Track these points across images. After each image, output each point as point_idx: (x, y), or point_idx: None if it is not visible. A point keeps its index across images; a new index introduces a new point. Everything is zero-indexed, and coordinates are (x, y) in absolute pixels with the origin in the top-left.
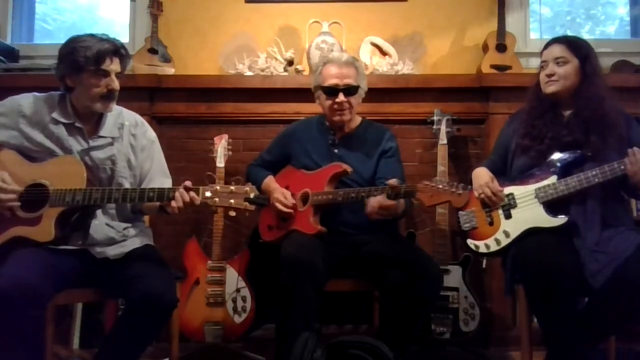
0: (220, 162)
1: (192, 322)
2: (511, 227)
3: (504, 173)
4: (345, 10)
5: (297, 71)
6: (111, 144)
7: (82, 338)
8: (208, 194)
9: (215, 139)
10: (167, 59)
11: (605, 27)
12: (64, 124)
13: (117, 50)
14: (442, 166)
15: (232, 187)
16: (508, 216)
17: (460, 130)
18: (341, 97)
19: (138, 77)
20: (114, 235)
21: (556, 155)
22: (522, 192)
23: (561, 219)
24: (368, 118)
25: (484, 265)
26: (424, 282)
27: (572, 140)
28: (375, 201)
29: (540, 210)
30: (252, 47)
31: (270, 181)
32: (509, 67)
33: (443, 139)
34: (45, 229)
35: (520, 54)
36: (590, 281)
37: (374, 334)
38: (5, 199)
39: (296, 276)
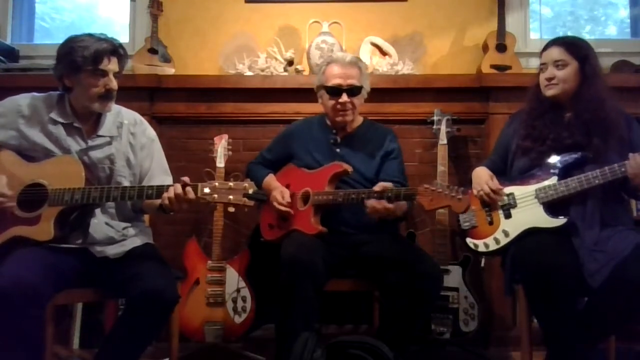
0: (220, 162)
1: (192, 322)
2: (511, 227)
3: (504, 173)
4: (345, 10)
5: (297, 71)
6: (109, 143)
7: (82, 338)
8: (207, 190)
9: (215, 139)
10: (167, 59)
11: (606, 28)
12: (62, 124)
13: (114, 49)
14: (442, 166)
15: (231, 184)
16: (508, 216)
17: (460, 130)
18: (344, 98)
19: (138, 77)
20: (113, 234)
21: (557, 157)
22: (523, 192)
23: (561, 220)
24: (368, 118)
25: (482, 264)
26: (424, 282)
27: (572, 142)
28: (376, 202)
29: (540, 210)
30: (252, 47)
31: (270, 179)
32: (509, 67)
33: (443, 139)
34: (44, 229)
35: (520, 54)
36: (589, 281)
37: (374, 334)
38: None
39: (296, 276)
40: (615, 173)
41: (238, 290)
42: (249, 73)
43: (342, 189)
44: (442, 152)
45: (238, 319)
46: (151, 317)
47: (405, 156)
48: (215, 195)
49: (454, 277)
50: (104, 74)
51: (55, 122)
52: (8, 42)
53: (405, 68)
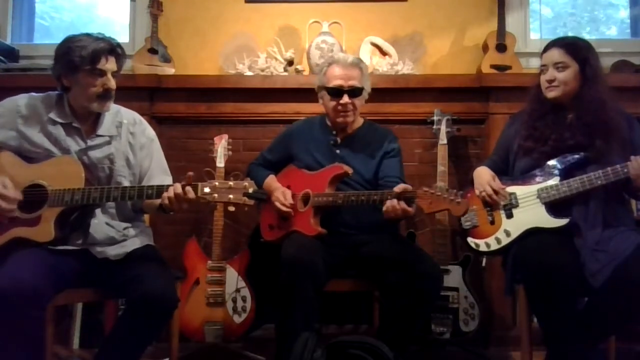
0: (220, 162)
1: (192, 322)
2: (512, 227)
3: (506, 173)
4: (345, 10)
5: (297, 71)
6: (109, 142)
7: (82, 338)
8: (207, 190)
9: (215, 139)
10: (167, 59)
11: (606, 29)
12: (61, 124)
13: (112, 49)
14: (442, 166)
15: (231, 183)
16: (509, 216)
17: (460, 130)
18: (345, 99)
19: (138, 77)
20: (114, 234)
21: (559, 157)
22: (525, 192)
23: (562, 220)
24: (368, 118)
25: (483, 264)
26: (423, 282)
27: (574, 143)
28: (396, 203)
29: (542, 210)
30: (252, 47)
31: (271, 180)
32: (509, 67)
33: (443, 139)
34: (44, 230)
35: (521, 54)
36: (590, 281)
37: (374, 334)
38: (7, 209)
39: (296, 276)
40: (618, 174)
41: (238, 290)
42: (249, 73)
43: (342, 190)
44: (442, 152)
45: (238, 319)
46: (151, 320)
47: (405, 156)
48: (215, 195)
49: (454, 277)
50: (102, 73)
51: (54, 122)
52: (8, 42)
53: (405, 68)
